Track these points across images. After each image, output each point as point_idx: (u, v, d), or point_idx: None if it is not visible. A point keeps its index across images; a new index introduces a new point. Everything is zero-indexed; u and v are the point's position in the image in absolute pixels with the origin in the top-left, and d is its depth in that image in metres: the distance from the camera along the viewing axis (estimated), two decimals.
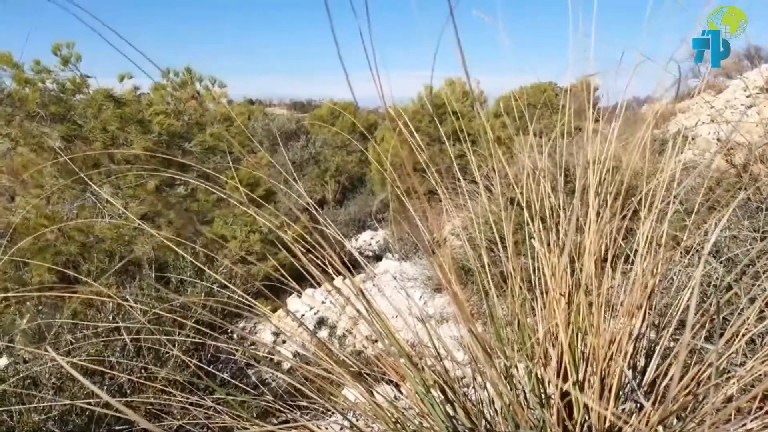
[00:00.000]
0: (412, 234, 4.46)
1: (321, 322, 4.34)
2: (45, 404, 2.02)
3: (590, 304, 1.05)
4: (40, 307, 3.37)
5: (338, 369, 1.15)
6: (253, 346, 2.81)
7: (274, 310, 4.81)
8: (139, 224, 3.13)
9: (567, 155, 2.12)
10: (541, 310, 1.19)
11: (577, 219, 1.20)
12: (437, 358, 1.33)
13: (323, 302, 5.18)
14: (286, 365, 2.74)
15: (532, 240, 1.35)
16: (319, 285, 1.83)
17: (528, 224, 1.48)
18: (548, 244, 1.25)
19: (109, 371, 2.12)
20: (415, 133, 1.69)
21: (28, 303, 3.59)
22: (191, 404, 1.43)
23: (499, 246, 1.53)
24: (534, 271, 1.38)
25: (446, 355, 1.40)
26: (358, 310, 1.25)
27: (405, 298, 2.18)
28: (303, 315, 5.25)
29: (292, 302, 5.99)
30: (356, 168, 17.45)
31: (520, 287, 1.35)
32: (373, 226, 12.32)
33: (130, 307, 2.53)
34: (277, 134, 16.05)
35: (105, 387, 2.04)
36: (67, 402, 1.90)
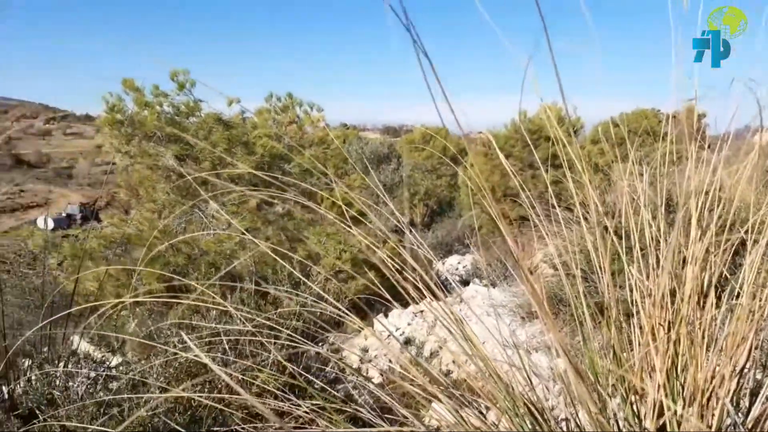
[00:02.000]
0: (502, 260, 4.40)
1: (408, 342, 4.37)
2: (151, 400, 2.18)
3: (691, 337, 1.01)
4: (149, 313, 3.65)
5: (431, 388, 1.18)
6: (342, 361, 2.89)
7: (361, 329, 4.90)
8: (244, 234, 3.33)
9: (669, 184, 2.04)
10: (638, 342, 1.16)
11: (679, 249, 1.17)
12: (529, 386, 1.32)
13: (409, 324, 5.21)
14: (373, 381, 2.79)
15: (630, 270, 1.32)
16: (406, 306, 1.86)
17: (626, 254, 1.44)
18: (647, 275, 1.22)
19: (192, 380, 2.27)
20: (506, 159, 1.70)
21: (138, 308, 3.90)
22: (284, 411, 1.50)
23: (596, 276, 1.50)
24: (631, 302, 1.34)
25: (538, 382, 1.38)
26: (451, 332, 1.27)
27: (493, 324, 2.17)
28: (389, 335, 5.30)
29: (379, 322, 6.06)
30: (445, 192, 17.47)
31: (617, 318, 1.32)
32: (460, 250, 12.23)
33: (231, 316, 2.69)
34: (368, 158, 16.42)
35: (206, 389, 2.18)
36: (185, 392, 2.04)
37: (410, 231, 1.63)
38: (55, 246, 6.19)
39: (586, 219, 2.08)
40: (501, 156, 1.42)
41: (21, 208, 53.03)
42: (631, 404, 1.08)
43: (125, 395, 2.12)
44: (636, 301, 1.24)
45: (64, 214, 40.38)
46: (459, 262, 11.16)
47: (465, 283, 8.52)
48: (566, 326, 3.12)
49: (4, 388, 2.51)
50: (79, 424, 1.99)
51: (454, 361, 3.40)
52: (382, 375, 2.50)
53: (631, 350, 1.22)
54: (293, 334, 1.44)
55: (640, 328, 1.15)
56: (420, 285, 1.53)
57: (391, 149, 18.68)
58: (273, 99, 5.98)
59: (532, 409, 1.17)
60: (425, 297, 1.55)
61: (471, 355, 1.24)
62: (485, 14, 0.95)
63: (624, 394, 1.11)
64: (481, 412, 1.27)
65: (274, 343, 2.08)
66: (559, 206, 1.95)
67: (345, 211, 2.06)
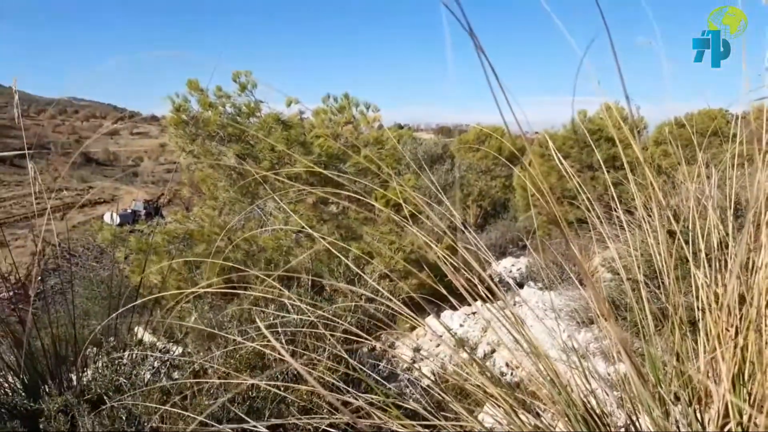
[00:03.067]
0: (558, 263, 4.31)
1: (460, 343, 4.35)
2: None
3: (759, 343, 0.97)
4: (209, 307, 3.78)
5: (489, 388, 1.18)
6: (395, 358, 2.92)
7: (413, 329, 4.91)
8: (302, 230, 3.40)
9: (738, 187, 1.96)
10: (704, 347, 1.13)
11: (748, 254, 1.12)
12: (587, 391, 1.30)
13: (461, 325, 5.19)
14: (425, 381, 2.80)
15: (696, 274, 1.28)
16: (456, 309, 1.86)
17: (691, 259, 1.40)
18: (714, 280, 1.18)
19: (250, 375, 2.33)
20: (564, 160, 1.67)
21: (198, 302, 4.04)
22: (342, 404, 1.54)
23: (658, 280, 1.46)
24: (696, 308, 1.30)
25: (596, 387, 1.36)
26: (512, 333, 1.27)
27: (549, 328, 2.14)
28: (441, 336, 5.29)
29: (430, 323, 6.05)
30: (500, 193, 17.25)
31: (681, 324, 1.28)
32: (514, 253, 12.05)
33: (288, 311, 2.76)
34: (422, 158, 16.41)
35: (264, 380, 2.24)
36: (251, 380, 2.12)
37: (467, 230, 1.63)
38: (121, 240, 6.50)
39: (648, 222, 2.03)
40: (558, 157, 1.41)
41: (89, 204, 55.78)
42: (695, 410, 1.05)
43: (189, 381, 2.22)
44: (702, 307, 1.21)
45: (129, 211, 42.18)
46: (513, 265, 11.00)
47: (519, 286, 8.39)
48: (626, 332, 3.04)
49: (73, 375, 2.66)
50: (144, 407, 2.09)
51: (507, 364, 3.36)
52: (433, 375, 2.51)
53: (696, 357, 1.18)
54: (351, 327, 1.47)
55: (706, 333, 1.12)
56: (477, 284, 1.53)
57: (445, 149, 18.61)
58: (330, 99, 6.09)
59: (591, 413, 1.16)
60: (480, 298, 1.55)
61: (531, 354, 1.24)
62: (549, 11, 0.95)
63: (687, 400, 1.08)
64: (537, 414, 1.27)
65: (331, 337, 2.13)
66: (620, 209, 1.91)
67: (404, 209, 2.07)
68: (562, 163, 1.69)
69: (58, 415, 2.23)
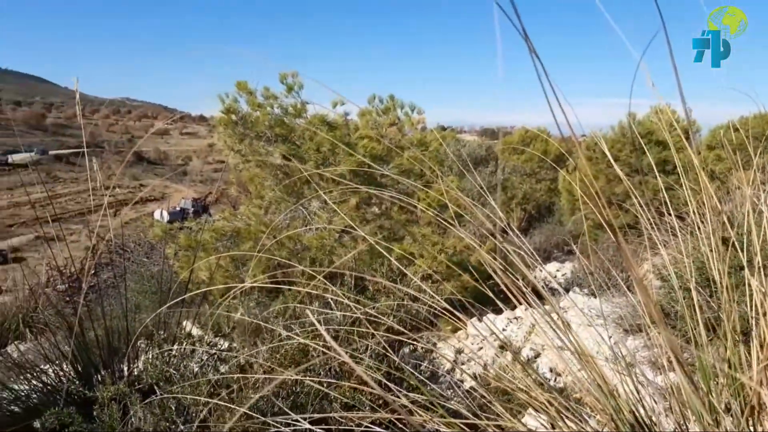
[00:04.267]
0: (605, 269, 4.23)
1: (503, 347, 4.32)
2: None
3: None
4: (254, 303, 3.87)
5: (534, 391, 1.18)
6: (435, 360, 2.92)
7: (455, 331, 4.89)
8: (346, 228, 3.45)
9: None
10: (757, 358, 1.10)
11: None
12: (635, 397, 1.28)
13: (504, 329, 5.14)
14: (466, 384, 2.80)
15: (750, 282, 1.25)
16: (499, 313, 1.85)
17: (746, 266, 1.36)
18: None
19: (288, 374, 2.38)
20: (613, 163, 1.64)
21: (245, 298, 4.14)
22: (383, 402, 1.56)
23: (710, 288, 1.43)
24: (751, 317, 1.27)
25: (644, 395, 1.34)
26: (560, 341, 1.27)
27: (595, 334, 2.11)
28: (483, 339, 5.25)
29: (472, 326, 6.01)
30: (544, 197, 16.97)
31: (734, 334, 1.25)
32: (559, 258, 11.83)
33: (331, 308, 2.80)
34: (465, 160, 16.31)
35: (308, 376, 2.29)
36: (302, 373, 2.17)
37: (514, 232, 1.63)
38: (171, 237, 6.71)
39: (701, 228, 1.97)
40: (611, 159, 1.39)
41: (141, 201, 57.74)
42: (747, 420, 1.02)
43: (236, 375, 2.28)
44: (756, 315, 1.17)
45: (178, 208, 43.43)
46: (558, 270, 10.81)
47: (564, 291, 8.23)
48: (676, 339, 2.95)
49: (124, 366, 2.77)
50: (193, 398, 2.16)
51: (551, 369, 3.32)
52: (475, 378, 2.50)
53: (749, 366, 1.15)
54: (394, 324, 1.49)
55: (760, 342, 1.09)
56: (522, 288, 1.52)
57: (489, 151, 18.44)
58: (375, 100, 6.13)
59: (640, 420, 1.14)
60: (524, 301, 1.54)
61: (578, 359, 1.23)
62: (606, 14, 0.95)
63: (740, 410, 1.05)
64: (582, 420, 1.26)
65: (374, 335, 2.15)
66: (671, 214, 1.86)
67: (446, 211, 2.08)
68: (611, 166, 1.65)
69: (110, 402, 2.32)
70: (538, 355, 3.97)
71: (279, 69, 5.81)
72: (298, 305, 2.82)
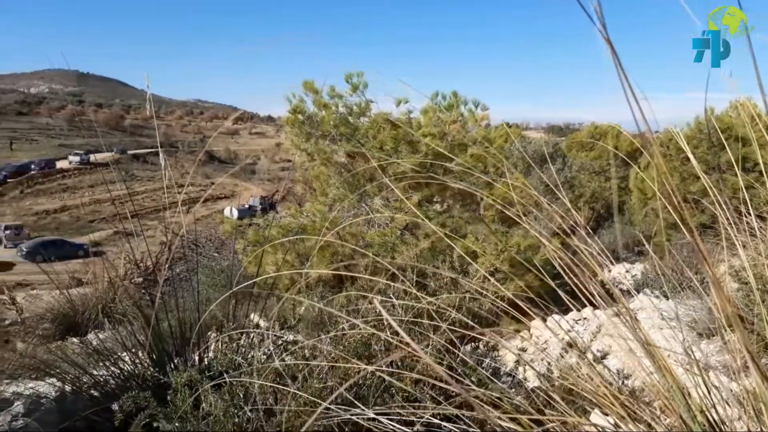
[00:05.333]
0: (677, 270, 4.05)
1: (569, 347, 4.22)
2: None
3: None
4: (318, 297, 3.95)
5: (607, 391, 1.16)
6: (499, 357, 2.90)
7: (518, 330, 4.82)
8: (408, 226, 3.47)
9: None
10: None
11: None
12: (709, 402, 1.24)
13: (569, 330, 5.02)
14: (529, 383, 2.76)
15: None
16: (565, 313, 1.81)
17: None
18: None
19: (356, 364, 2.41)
20: (692, 158, 1.57)
21: (309, 292, 4.24)
22: (446, 396, 1.56)
23: None
24: None
25: (718, 400, 1.29)
26: (630, 343, 1.24)
27: (667, 337, 2.04)
28: (546, 341, 5.15)
29: (536, 326, 5.90)
30: (613, 195, 16.38)
31: None
32: (629, 258, 11.40)
33: (393, 305, 2.83)
34: (531, 157, 15.99)
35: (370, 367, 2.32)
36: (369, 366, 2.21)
37: (586, 231, 1.60)
38: (240, 233, 6.95)
39: None
40: (689, 154, 1.34)
41: (212, 199, 60.13)
42: None
43: (301, 362, 2.34)
44: None
45: (246, 206, 44.92)
46: (627, 271, 10.42)
47: (635, 292, 7.93)
48: (753, 344, 2.79)
49: (195, 355, 2.91)
50: (261, 384, 2.24)
51: (619, 371, 3.21)
52: (540, 377, 2.46)
53: None
54: (458, 319, 1.49)
55: None
56: (590, 288, 1.49)
57: (556, 148, 17.98)
58: (438, 97, 6.13)
59: (713, 424, 1.10)
60: (590, 303, 1.51)
61: (648, 355, 1.20)
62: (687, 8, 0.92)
63: None
64: (654, 419, 1.22)
65: (435, 330, 2.16)
66: (751, 214, 1.77)
67: (510, 209, 2.06)
68: (686, 163, 1.60)
69: (183, 388, 2.44)
70: (605, 356, 3.85)
71: (347, 70, 5.90)
72: (362, 297, 2.87)
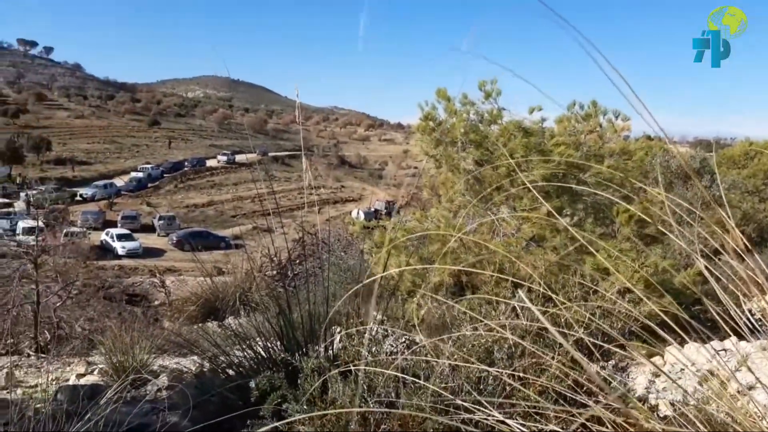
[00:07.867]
0: None
1: (706, 379, 3.88)
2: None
3: None
4: (439, 303, 3.99)
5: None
6: (626, 383, 2.75)
7: (650, 356, 4.52)
8: (536, 237, 3.41)
9: None
10: None
11: None
12: None
13: (708, 361, 4.60)
14: (661, 411, 2.60)
15: None
16: (704, 342, 1.71)
17: None
18: None
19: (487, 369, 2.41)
20: None
21: (431, 296, 4.30)
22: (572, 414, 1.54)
23: None
24: None
25: None
26: None
27: None
28: (682, 369, 4.77)
29: (670, 353, 5.49)
30: None
31: None
32: None
33: (517, 315, 2.80)
34: (674, 172, 14.80)
35: (492, 377, 2.33)
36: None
37: (737, 255, 1.49)
38: (367, 234, 7.21)
39: None
40: None
41: (341, 201, 62.71)
42: None
43: (423, 359, 2.40)
44: None
45: (372, 209, 46.21)
46: None
47: None
48: None
49: (320, 347, 3.08)
50: (389, 374, 2.33)
51: (765, 406, 2.91)
52: (673, 406, 2.32)
53: None
54: (589, 334, 1.46)
55: None
56: (740, 317, 1.40)
57: (704, 164, 16.49)
58: (576, 106, 5.91)
59: None
60: (735, 333, 1.40)
61: None
62: None
63: None
64: None
65: (560, 345, 2.11)
66: None
67: (648, 226, 1.96)
68: None
69: (313, 373, 2.61)
70: (751, 388, 3.50)
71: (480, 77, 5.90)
72: (486, 303, 2.87)
